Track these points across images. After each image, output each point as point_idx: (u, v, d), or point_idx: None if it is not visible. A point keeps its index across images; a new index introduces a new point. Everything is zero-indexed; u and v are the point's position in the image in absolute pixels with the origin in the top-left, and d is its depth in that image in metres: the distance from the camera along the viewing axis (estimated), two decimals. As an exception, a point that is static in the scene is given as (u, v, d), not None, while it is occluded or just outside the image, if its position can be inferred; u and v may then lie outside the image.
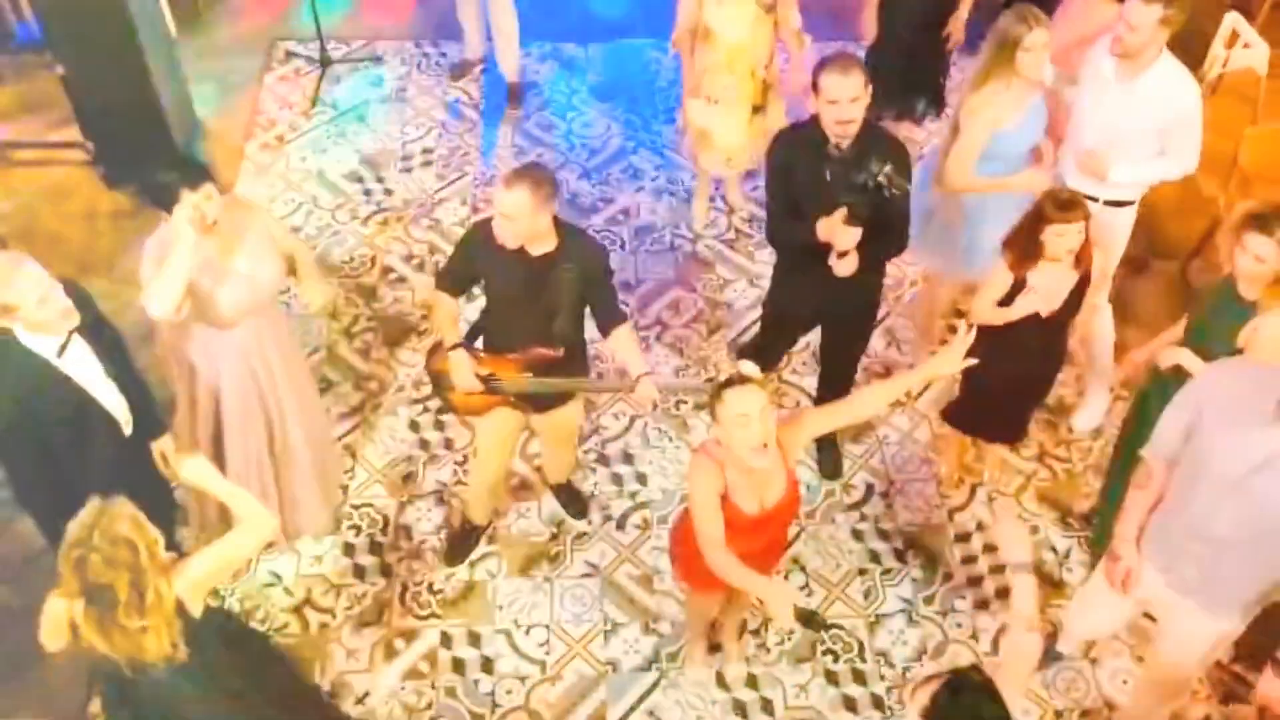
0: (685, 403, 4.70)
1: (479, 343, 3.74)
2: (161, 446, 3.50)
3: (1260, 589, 3.10)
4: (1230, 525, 2.95)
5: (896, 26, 5.09)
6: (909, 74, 5.23)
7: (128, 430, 3.38)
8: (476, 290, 3.89)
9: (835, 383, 4.33)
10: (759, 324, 4.66)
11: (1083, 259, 3.71)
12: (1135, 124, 3.93)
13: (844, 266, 3.72)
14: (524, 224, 3.33)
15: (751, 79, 4.74)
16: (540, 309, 3.52)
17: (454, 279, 3.68)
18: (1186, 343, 3.58)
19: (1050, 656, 3.93)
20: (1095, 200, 4.05)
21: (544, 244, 3.45)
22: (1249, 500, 2.89)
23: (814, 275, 3.80)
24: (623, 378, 3.95)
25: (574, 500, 4.36)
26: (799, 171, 3.74)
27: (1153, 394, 3.68)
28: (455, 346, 3.63)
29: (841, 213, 3.57)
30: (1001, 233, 3.83)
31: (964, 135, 4.04)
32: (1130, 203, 4.17)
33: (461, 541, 4.22)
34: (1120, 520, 3.27)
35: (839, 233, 3.62)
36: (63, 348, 3.15)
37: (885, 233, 3.71)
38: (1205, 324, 3.54)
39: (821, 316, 4.20)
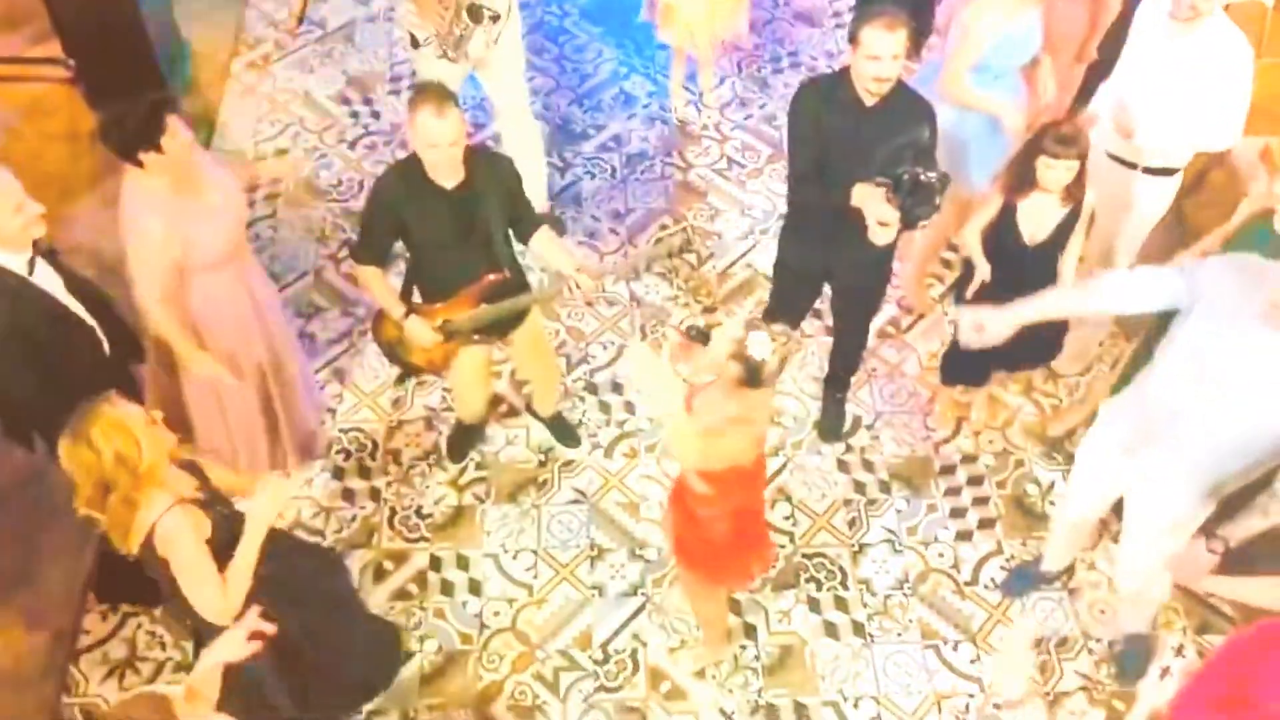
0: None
1: (416, 298, 3.70)
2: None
3: (1221, 476, 3.14)
4: (1199, 413, 2.98)
5: None
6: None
7: (107, 348, 3.35)
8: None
9: (848, 350, 4.28)
10: (771, 284, 4.39)
11: (1074, 194, 3.69)
12: (1180, 82, 3.75)
13: (883, 235, 3.52)
14: (460, 148, 3.31)
15: None
16: (476, 239, 3.50)
17: (376, 247, 3.57)
18: None
19: (1034, 580, 3.99)
20: (1134, 166, 3.98)
21: (458, 172, 3.41)
22: (1219, 391, 2.93)
23: (833, 234, 3.69)
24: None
25: (567, 431, 4.37)
26: (828, 130, 3.54)
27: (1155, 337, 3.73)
28: (408, 313, 3.59)
29: (881, 184, 3.42)
30: (981, 151, 3.83)
31: (966, 39, 3.94)
32: (1173, 171, 4.01)
33: (463, 438, 4.27)
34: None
35: (876, 204, 3.42)
36: (30, 264, 3.12)
37: (912, 200, 3.46)
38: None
39: (836, 275, 4.02)
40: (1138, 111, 3.84)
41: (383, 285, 3.64)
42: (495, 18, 4.13)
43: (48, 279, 3.18)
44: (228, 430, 3.86)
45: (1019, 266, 3.84)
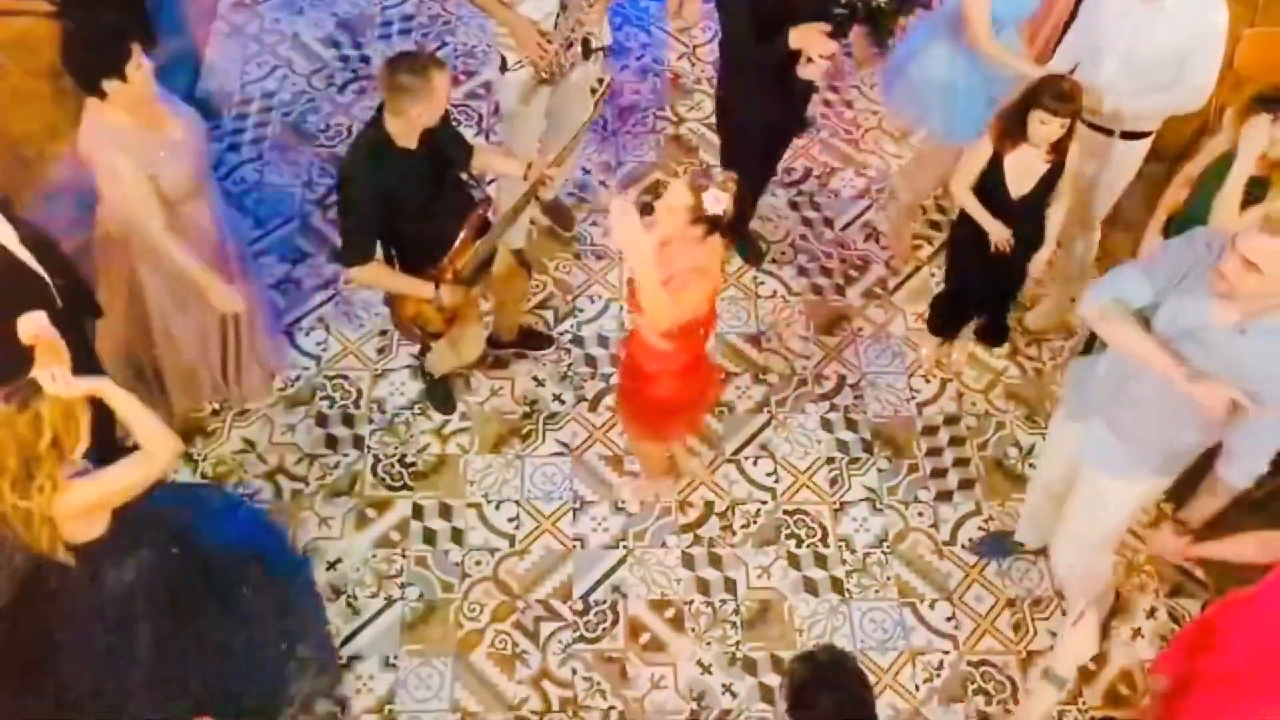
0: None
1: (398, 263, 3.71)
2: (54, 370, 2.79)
3: (1171, 449, 3.16)
4: (1150, 384, 3.01)
5: None
6: None
7: (59, 303, 3.23)
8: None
9: (759, 187, 4.61)
10: (719, 136, 4.61)
11: (1058, 150, 3.71)
12: (1156, 46, 3.75)
13: (813, 71, 3.91)
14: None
15: None
16: (451, 183, 3.57)
17: (369, 239, 3.53)
18: (1184, 216, 3.63)
19: (1007, 549, 4.03)
20: (1110, 133, 3.99)
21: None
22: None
23: (772, 86, 3.99)
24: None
25: (537, 338, 4.45)
26: (828, 11, 3.82)
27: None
28: (436, 285, 3.62)
29: (825, 26, 3.76)
30: (974, 103, 3.90)
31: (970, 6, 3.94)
32: (1147, 134, 4.05)
33: (443, 391, 4.28)
34: (1152, 362, 3.06)
35: (817, 42, 3.77)
36: None
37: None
38: (1199, 201, 3.57)
39: (780, 122, 4.32)
40: (1107, 79, 3.84)
41: (398, 275, 3.66)
42: (606, 50, 4.06)
43: (1, 231, 3.11)
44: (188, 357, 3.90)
45: (1005, 219, 3.90)
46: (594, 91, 3.88)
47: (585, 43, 3.95)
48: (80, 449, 2.68)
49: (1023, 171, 3.77)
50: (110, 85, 3.21)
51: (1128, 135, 4.01)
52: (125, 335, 3.82)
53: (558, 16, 3.91)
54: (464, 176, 3.71)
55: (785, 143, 4.65)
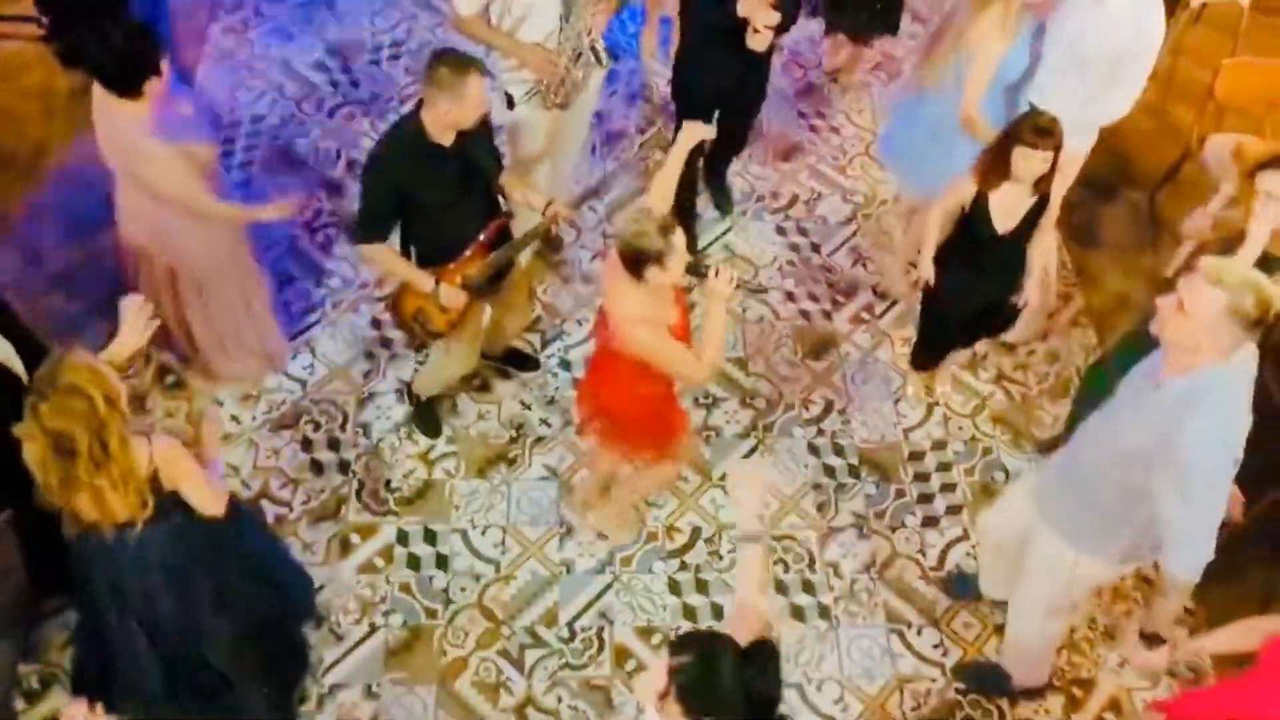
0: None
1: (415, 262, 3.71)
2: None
3: (1108, 521, 3.07)
4: (1093, 458, 3.01)
5: None
6: None
7: (26, 379, 3.20)
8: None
9: (726, 154, 4.87)
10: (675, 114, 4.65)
11: (1041, 184, 3.72)
12: (1098, 46, 3.82)
13: (759, 41, 4.06)
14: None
15: None
16: (478, 189, 3.58)
17: (383, 222, 3.57)
18: None
19: (977, 591, 3.97)
20: None
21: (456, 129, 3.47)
22: (1108, 421, 2.96)
23: (725, 55, 4.16)
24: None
25: (524, 359, 4.45)
26: None
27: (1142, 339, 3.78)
28: (437, 281, 3.61)
29: None
30: (965, 160, 3.85)
31: (980, 65, 3.94)
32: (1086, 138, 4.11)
33: (431, 414, 4.26)
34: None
35: (761, 11, 3.95)
36: None
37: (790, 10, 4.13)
38: None
39: (732, 91, 4.39)
40: (1047, 80, 3.88)
41: (404, 260, 3.66)
42: (615, 57, 4.09)
43: None
44: (218, 334, 4.09)
45: (990, 254, 3.89)
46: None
47: (594, 50, 3.96)
48: (125, 396, 2.75)
49: (1008, 208, 3.77)
50: (151, 83, 3.39)
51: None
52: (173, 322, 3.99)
53: (560, 31, 3.91)
54: (491, 188, 3.70)
55: (745, 113, 4.69)
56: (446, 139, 3.44)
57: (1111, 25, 3.77)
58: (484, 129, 3.58)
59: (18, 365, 3.21)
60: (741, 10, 3.98)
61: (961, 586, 4.00)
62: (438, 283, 3.63)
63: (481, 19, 3.89)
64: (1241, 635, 2.94)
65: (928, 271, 4.00)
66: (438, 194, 3.50)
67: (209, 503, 2.96)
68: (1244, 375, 2.75)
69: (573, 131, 4.43)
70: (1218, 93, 4.90)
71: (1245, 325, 2.62)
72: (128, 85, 3.40)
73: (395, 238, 3.69)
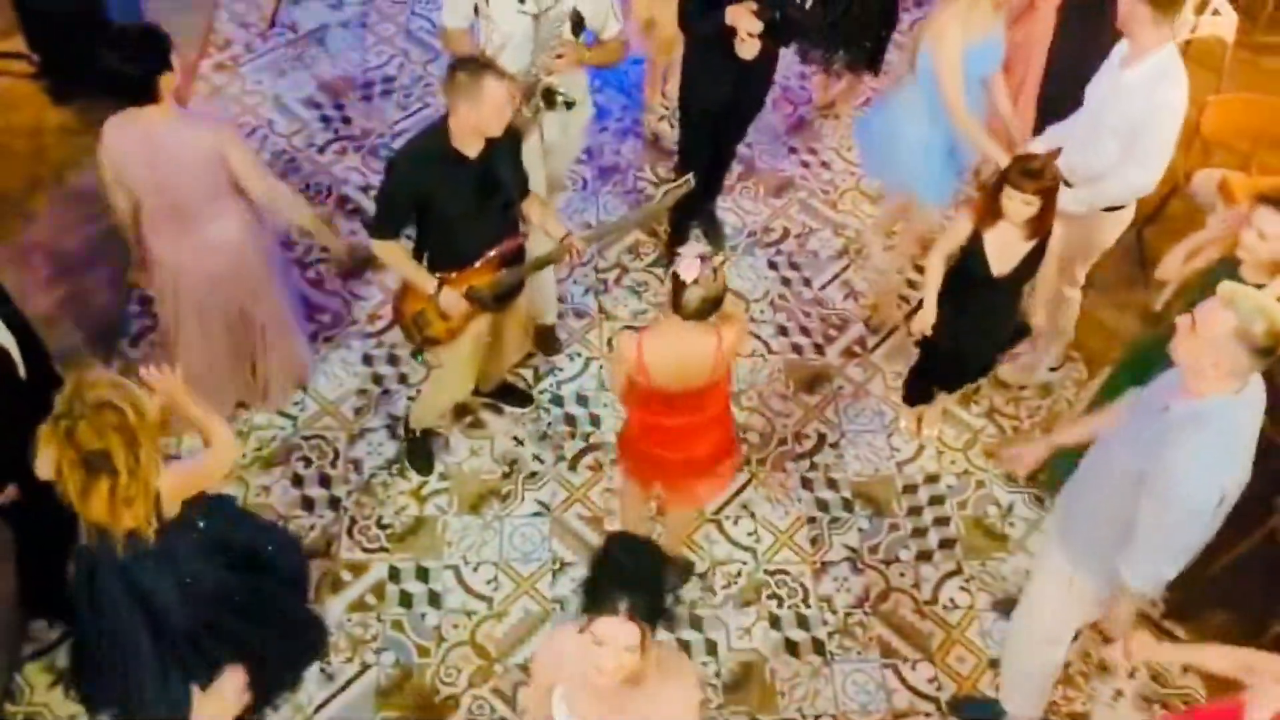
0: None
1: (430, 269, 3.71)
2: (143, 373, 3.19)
3: (1104, 541, 3.05)
4: (1090, 464, 3.03)
5: None
6: (858, 25, 5.18)
7: (22, 372, 3.24)
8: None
9: (720, 174, 4.97)
10: (679, 129, 4.80)
11: (1037, 230, 3.69)
12: (1116, 114, 3.83)
13: (747, 50, 4.13)
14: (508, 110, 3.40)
15: None
16: (495, 204, 3.57)
17: (397, 222, 3.61)
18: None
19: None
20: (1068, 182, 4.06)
21: (482, 139, 3.47)
22: (1113, 440, 2.98)
23: (723, 61, 4.22)
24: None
25: (516, 395, 4.44)
26: None
27: (1124, 371, 3.80)
28: (440, 284, 3.61)
29: (750, 4, 4.04)
30: (948, 165, 4.00)
31: (940, 58, 4.01)
32: (1122, 206, 4.08)
33: (423, 449, 4.23)
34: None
35: (745, 19, 4.04)
36: None
37: (785, 26, 4.25)
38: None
39: (728, 100, 4.48)
40: (1075, 160, 3.88)
41: (410, 260, 3.67)
42: (570, 104, 4.03)
43: None
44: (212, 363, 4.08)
45: (987, 296, 3.88)
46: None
47: (547, 93, 3.95)
48: (151, 406, 2.78)
49: (1004, 250, 3.75)
50: (166, 78, 3.45)
51: (1108, 209, 4.05)
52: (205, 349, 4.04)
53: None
54: (511, 205, 3.68)
55: (738, 126, 4.76)
56: (471, 149, 3.44)
57: (1131, 96, 3.76)
58: (514, 146, 3.59)
59: (16, 355, 3.21)
60: (729, 19, 4.08)
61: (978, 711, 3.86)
62: (440, 286, 3.62)
63: (467, 35, 3.93)
64: (1215, 658, 2.95)
65: (930, 314, 3.94)
66: (455, 202, 3.50)
67: (222, 464, 3.05)
68: (1250, 411, 2.76)
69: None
70: (1204, 128, 4.95)
71: (1251, 351, 2.62)
72: (147, 84, 3.44)
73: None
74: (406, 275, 3.71)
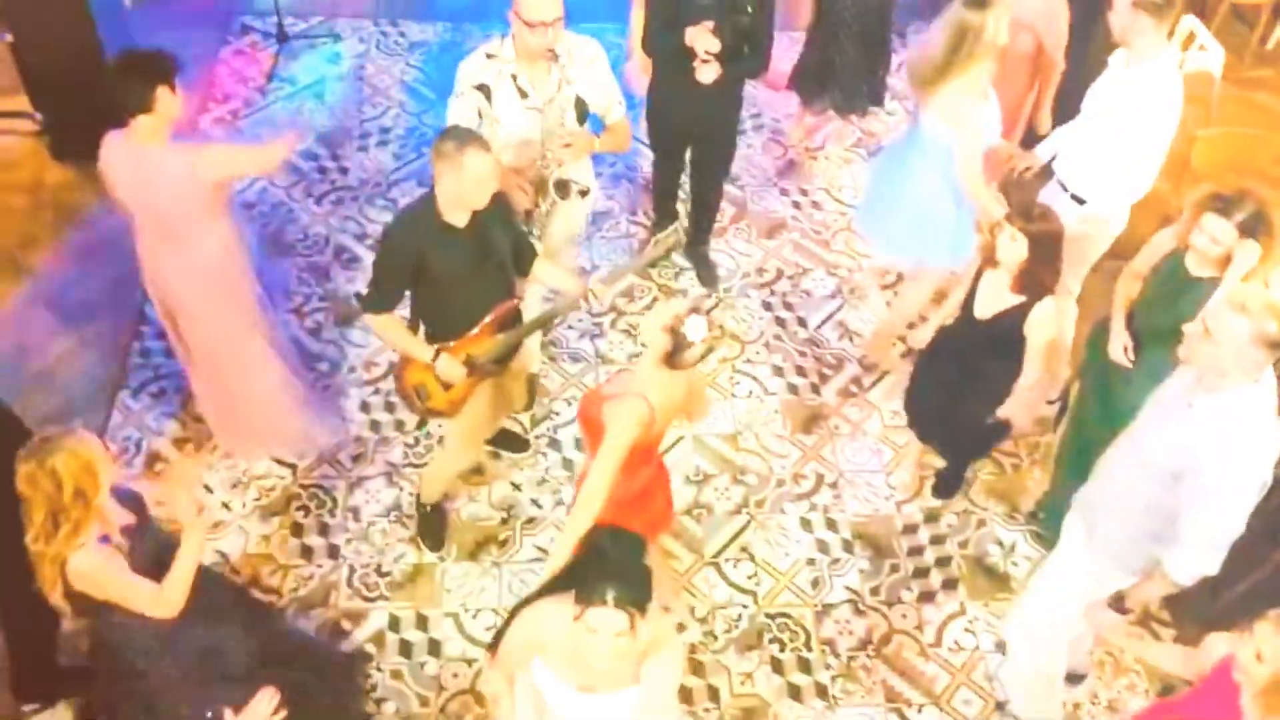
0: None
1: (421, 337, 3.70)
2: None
3: (1133, 537, 3.13)
4: (1116, 461, 3.06)
5: (833, 15, 5.09)
6: (848, 65, 5.24)
7: None
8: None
9: (705, 204, 5.00)
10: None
11: (1023, 284, 3.61)
12: (1116, 118, 3.93)
13: (706, 73, 4.24)
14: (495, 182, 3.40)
15: None
16: (490, 268, 3.56)
17: (391, 294, 3.57)
18: (1134, 313, 3.70)
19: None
20: (1083, 203, 4.12)
21: (470, 209, 3.47)
22: (1136, 438, 3.02)
23: (684, 83, 4.32)
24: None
25: (513, 440, 4.43)
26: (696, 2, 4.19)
27: (1088, 370, 3.92)
28: (438, 353, 3.59)
29: (707, 24, 4.14)
30: (962, 227, 4.00)
31: (965, 139, 3.99)
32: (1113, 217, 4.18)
33: (436, 524, 4.19)
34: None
35: (702, 38, 4.15)
36: None
37: (744, 51, 4.31)
38: (1151, 295, 3.65)
39: (691, 126, 4.62)
40: (1086, 165, 4.01)
41: (406, 333, 3.65)
42: (584, 193, 4.03)
43: None
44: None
45: (969, 339, 3.82)
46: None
47: (560, 184, 3.94)
48: (102, 496, 2.78)
49: (991, 294, 3.72)
50: (162, 95, 3.55)
51: (1079, 200, 4.13)
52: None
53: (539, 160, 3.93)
54: (506, 270, 3.66)
55: (711, 162, 4.85)
56: (459, 219, 3.43)
57: (1129, 100, 3.88)
58: (505, 211, 3.58)
59: None
60: (688, 39, 4.17)
61: None
62: (437, 355, 3.60)
63: None
64: (1179, 660, 3.02)
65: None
66: (448, 270, 3.49)
67: (151, 607, 2.89)
68: (1270, 393, 2.87)
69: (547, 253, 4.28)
70: (1194, 163, 5.00)
71: (1269, 348, 2.76)
72: (141, 93, 3.53)
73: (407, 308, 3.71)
74: (402, 347, 3.67)
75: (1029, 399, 3.89)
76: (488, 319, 3.62)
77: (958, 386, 3.93)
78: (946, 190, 4.18)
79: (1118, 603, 3.13)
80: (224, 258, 3.86)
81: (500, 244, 3.56)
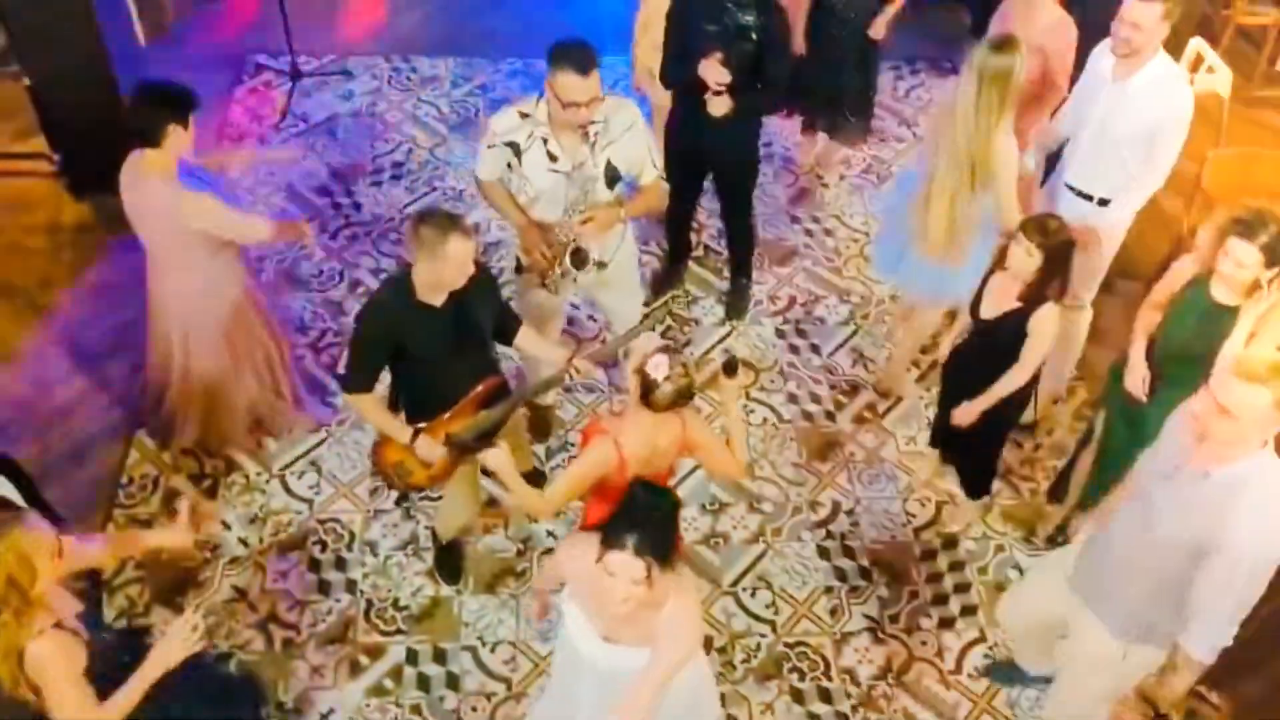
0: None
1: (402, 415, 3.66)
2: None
3: (1155, 609, 3.05)
4: (1123, 534, 2.99)
5: (824, 39, 5.13)
6: (839, 87, 5.28)
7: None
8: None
9: (738, 231, 5.00)
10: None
11: (1030, 290, 3.63)
12: (1127, 126, 3.96)
13: (717, 105, 4.26)
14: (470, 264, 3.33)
15: None
16: (471, 346, 3.51)
17: (370, 374, 3.50)
18: (1158, 340, 3.66)
19: (1015, 677, 3.95)
20: (1090, 199, 4.14)
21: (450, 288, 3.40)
22: (1144, 509, 2.93)
23: (697, 115, 4.36)
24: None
25: (529, 472, 4.37)
26: (693, 17, 4.26)
27: (1112, 401, 3.90)
28: (416, 434, 3.52)
29: (717, 56, 4.16)
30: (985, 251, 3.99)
31: (1008, 180, 3.96)
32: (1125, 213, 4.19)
33: (452, 557, 4.18)
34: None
35: (711, 70, 4.17)
36: None
37: (760, 83, 4.31)
38: (1174, 325, 3.61)
39: (706, 157, 4.65)
40: (1083, 150, 4.03)
41: (384, 413, 3.57)
42: (602, 265, 3.98)
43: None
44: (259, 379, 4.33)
45: (981, 340, 3.87)
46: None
47: (576, 253, 3.88)
48: (39, 589, 2.68)
49: (997, 296, 3.75)
50: (173, 131, 3.64)
51: (1105, 203, 4.15)
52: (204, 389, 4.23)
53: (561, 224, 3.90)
54: (487, 347, 3.62)
55: (731, 196, 4.88)
56: (436, 299, 3.37)
57: (1137, 105, 3.90)
58: (486, 284, 3.50)
59: (15, 496, 3.23)
60: (700, 71, 4.19)
61: (1006, 676, 3.94)
62: (416, 435, 3.54)
63: (500, 187, 3.89)
64: None
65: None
66: (428, 350, 3.43)
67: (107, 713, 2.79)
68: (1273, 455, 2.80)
69: (552, 317, 4.23)
70: (1205, 183, 5.00)
71: None
72: (152, 127, 3.61)
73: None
74: (380, 427, 3.61)
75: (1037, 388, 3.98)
76: (470, 397, 3.56)
77: (968, 389, 3.93)
78: (978, 243, 4.15)
79: (1144, 706, 3.05)
80: (202, 294, 3.99)
81: (481, 320, 3.49)
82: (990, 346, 3.81)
